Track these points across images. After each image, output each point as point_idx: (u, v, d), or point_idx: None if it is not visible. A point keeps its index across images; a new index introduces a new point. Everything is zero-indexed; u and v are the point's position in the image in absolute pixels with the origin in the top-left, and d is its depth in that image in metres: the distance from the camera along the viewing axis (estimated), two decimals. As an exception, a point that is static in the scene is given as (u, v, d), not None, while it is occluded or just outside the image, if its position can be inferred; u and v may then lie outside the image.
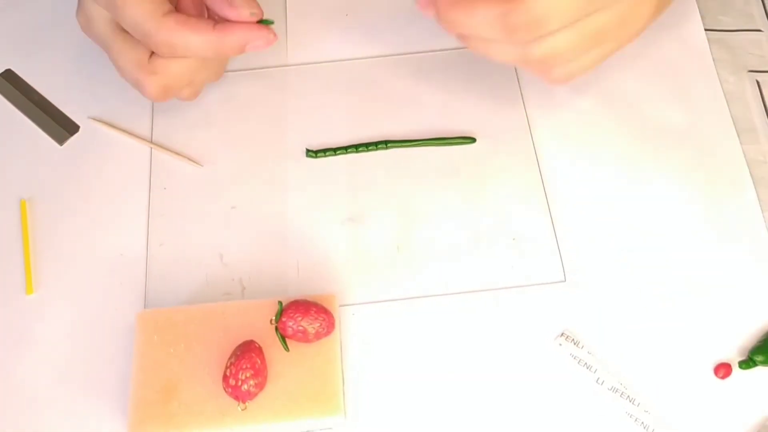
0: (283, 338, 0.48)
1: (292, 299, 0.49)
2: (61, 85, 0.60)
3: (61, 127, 0.59)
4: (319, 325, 0.48)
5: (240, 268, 0.53)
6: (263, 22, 0.51)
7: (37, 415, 0.49)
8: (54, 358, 0.51)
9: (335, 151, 0.57)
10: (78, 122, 0.59)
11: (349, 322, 0.52)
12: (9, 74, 0.60)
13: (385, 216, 0.55)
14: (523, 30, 0.46)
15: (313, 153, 0.57)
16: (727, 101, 0.59)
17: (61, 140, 0.58)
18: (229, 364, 0.47)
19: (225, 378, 0.46)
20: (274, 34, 0.51)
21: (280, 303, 0.48)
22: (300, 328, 0.47)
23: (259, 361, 0.47)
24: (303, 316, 0.48)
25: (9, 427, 0.49)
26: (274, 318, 0.48)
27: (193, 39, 0.49)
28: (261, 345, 0.48)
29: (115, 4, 0.49)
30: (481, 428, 0.49)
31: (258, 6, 0.51)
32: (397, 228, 0.55)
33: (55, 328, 0.52)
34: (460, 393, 0.50)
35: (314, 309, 0.48)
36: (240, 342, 0.48)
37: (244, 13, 0.50)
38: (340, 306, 0.52)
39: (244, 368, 0.46)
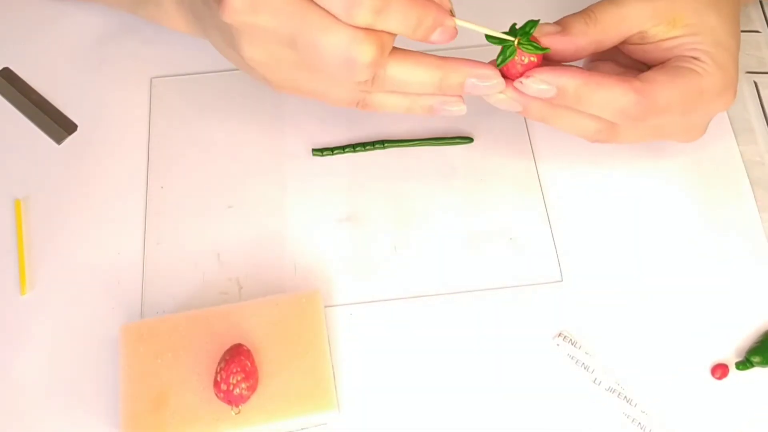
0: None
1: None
2: (60, 84, 0.60)
3: (59, 126, 0.58)
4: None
5: (237, 267, 0.53)
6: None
7: (30, 419, 0.49)
8: (50, 359, 0.51)
9: (332, 150, 0.57)
10: (76, 121, 0.59)
11: (347, 321, 0.52)
12: (7, 73, 0.60)
13: (382, 216, 0.55)
14: (642, 118, 0.47)
15: (319, 152, 0.57)
16: (724, 102, 0.59)
17: (59, 139, 0.58)
18: (219, 369, 0.46)
19: (216, 383, 0.46)
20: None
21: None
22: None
23: (249, 364, 0.46)
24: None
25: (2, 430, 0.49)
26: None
27: None
28: (249, 347, 0.47)
29: None
30: (479, 428, 0.49)
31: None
32: (393, 228, 0.55)
33: (51, 328, 0.52)
34: (457, 393, 0.49)
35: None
36: (228, 346, 0.47)
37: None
38: (338, 306, 0.52)
39: (234, 372, 0.46)
